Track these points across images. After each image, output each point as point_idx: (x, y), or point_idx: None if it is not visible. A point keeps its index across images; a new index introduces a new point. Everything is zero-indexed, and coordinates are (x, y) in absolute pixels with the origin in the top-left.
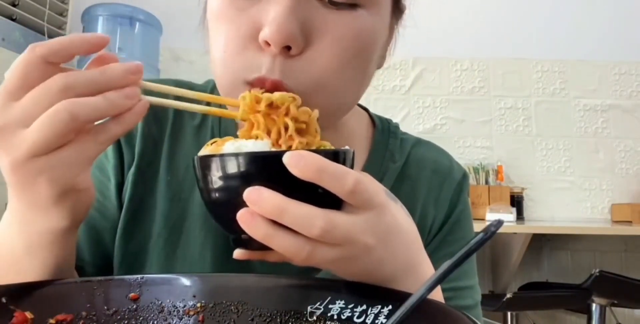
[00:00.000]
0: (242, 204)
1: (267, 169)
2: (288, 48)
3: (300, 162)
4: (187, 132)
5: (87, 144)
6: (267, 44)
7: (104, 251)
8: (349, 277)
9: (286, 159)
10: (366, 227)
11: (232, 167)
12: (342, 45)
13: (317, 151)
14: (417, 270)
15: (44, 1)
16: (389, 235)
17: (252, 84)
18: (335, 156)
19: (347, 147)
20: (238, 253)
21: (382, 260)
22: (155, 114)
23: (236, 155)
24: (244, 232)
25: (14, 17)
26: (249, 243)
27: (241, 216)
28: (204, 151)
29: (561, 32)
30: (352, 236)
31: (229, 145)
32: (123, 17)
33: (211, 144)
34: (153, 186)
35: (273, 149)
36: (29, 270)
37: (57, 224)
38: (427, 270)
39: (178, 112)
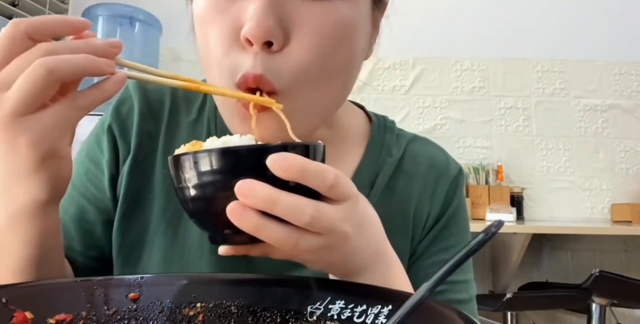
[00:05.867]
0: (226, 199)
1: (252, 163)
2: (269, 44)
3: (283, 164)
4: (183, 127)
5: (66, 107)
6: (249, 41)
7: (95, 242)
8: (325, 267)
9: (269, 161)
10: (345, 217)
11: (218, 163)
12: (320, 35)
13: (290, 145)
14: (384, 258)
15: (44, 1)
16: (362, 224)
17: (238, 86)
18: (306, 150)
19: (319, 142)
20: (223, 249)
21: (356, 249)
22: (151, 110)
23: (222, 150)
24: (225, 227)
25: (14, 17)
26: (229, 238)
27: (232, 209)
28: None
29: (561, 32)
30: (335, 224)
31: (210, 141)
32: (123, 17)
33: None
34: (149, 179)
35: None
36: (11, 246)
37: (37, 196)
38: (393, 258)
39: (174, 108)
